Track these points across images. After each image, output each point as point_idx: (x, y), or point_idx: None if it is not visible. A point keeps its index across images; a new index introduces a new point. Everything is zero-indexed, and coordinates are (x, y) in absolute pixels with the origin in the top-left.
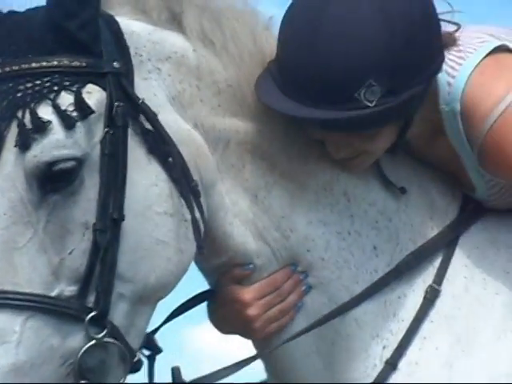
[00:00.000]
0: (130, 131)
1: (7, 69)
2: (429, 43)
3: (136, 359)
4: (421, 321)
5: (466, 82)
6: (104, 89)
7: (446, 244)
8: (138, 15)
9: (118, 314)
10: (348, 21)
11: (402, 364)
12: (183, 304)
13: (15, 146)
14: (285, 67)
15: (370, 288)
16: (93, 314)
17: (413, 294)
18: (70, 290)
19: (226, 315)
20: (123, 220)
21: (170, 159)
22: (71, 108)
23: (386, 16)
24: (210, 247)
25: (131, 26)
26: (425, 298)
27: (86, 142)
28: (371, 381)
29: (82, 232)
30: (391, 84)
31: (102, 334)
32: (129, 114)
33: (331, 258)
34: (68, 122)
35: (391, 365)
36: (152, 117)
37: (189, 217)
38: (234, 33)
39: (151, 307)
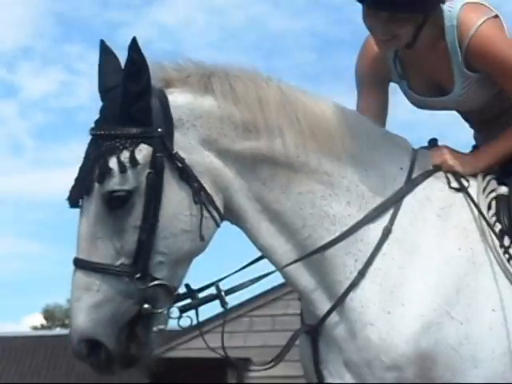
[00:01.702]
0: (167, 170)
1: (101, 131)
2: None
3: (177, 293)
4: (381, 244)
5: (460, 9)
6: (151, 146)
7: (396, 200)
8: (184, 87)
9: (160, 273)
10: None
11: (370, 270)
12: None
13: (96, 181)
14: None
15: (348, 229)
16: (139, 275)
17: (374, 230)
18: (127, 262)
19: None
20: (158, 222)
21: (195, 184)
22: (126, 161)
23: None
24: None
25: (177, 99)
26: (383, 232)
27: (133, 180)
28: (350, 282)
29: (133, 230)
30: None
31: (144, 286)
32: (166, 161)
33: (315, 212)
34: (122, 170)
35: (361, 271)
36: (182, 160)
37: (207, 215)
38: (242, 88)
39: (184, 266)
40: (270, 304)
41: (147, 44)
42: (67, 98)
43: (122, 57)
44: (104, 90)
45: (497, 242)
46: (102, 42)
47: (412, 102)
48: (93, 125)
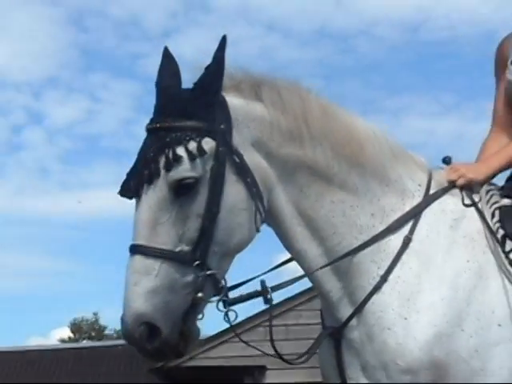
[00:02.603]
0: (227, 164)
1: (164, 124)
2: None
3: (221, 285)
4: (401, 253)
5: None
6: (214, 140)
7: (415, 214)
8: (236, 93)
9: (212, 263)
10: None
11: (390, 277)
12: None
13: (163, 168)
14: None
15: (372, 238)
16: (197, 262)
17: (395, 240)
18: (186, 248)
19: None
20: (219, 213)
21: (249, 179)
22: (195, 150)
23: None
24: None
25: (233, 101)
26: (403, 241)
27: (201, 168)
28: (371, 288)
29: (196, 218)
30: None
31: (202, 273)
32: (227, 155)
33: (345, 221)
34: (192, 157)
35: (383, 278)
36: (240, 155)
37: (257, 210)
38: (289, 98)
39: (231, 259)
40: (283, 314)
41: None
42: (91, 124)
43: (141, 85)
44: (162, 87)
45: (499, 248)
46: (166, 49)
47: (509, 82)
48: (149, 121)
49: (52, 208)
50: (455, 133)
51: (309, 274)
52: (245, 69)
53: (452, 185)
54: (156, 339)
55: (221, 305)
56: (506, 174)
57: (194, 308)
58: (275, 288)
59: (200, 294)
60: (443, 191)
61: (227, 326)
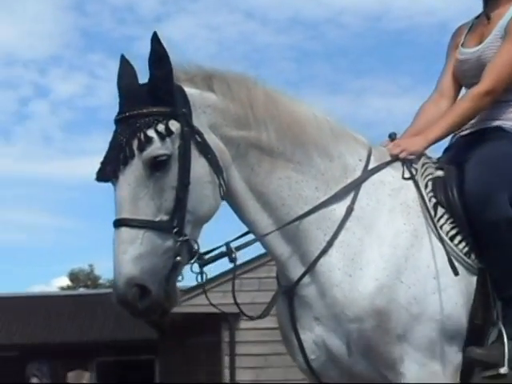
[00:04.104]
0: (192, 142)
1: (132, 112)
2: None
3: (194, 250)
4: (344, 221)
5: None
6: (178, 122)
7: (356, 185)
8: (191, 85)
9: (187, 230)
10: None
11: (336, 242)
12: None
13: (137, 150)
14: None
15: (316, 206)
16: (176, 229)
17: (339, 209)
18: (165, 218)
19: None
20: (190, 184)
21: (209, 156)
22: (163, 131)
23: None
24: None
25: (190, 90)
26: (346, 210)
27: (171, 146)
28: (319, 251)
29: (171, 190)
30: None
31: (181, 238)
32: (191, 134)
33: (291, 194)
34: (162, 137)
35: (329, 243)
36: (201, 135)
37: (219, 183)
38: (237, 88)
39: (201, 227)
40: (256, 269)
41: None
42: (90, 98)
43: (137, 65)
44: (123, 86)
45: (432, 213)
46: (122, 56)
47: (456, 60)
48: (117, 114)
49: (54, 172)
50: (411, 111)
51: (261, 239)
52: (197, 64)
53: (394, 159)
54: (146, 298)
55: (195, 267)
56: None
57: (175, 271)
58: (237, 248)
59: (178, 258)
60: (385, 164)
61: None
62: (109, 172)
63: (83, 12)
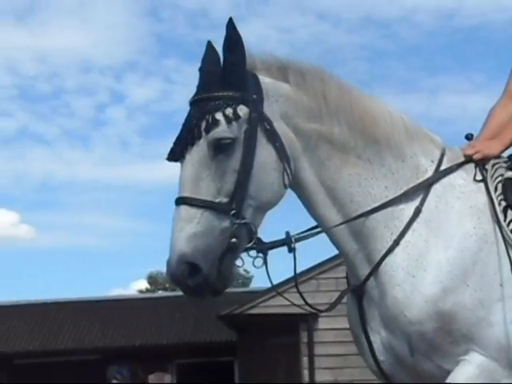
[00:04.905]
0: (259, 128)
1: (204, 95)
2: None
3: (254, 234)
4: (411, 222)
5: None
6: (247, 107)
7: (425, 186)
8: (267, 74)
9: (248, 214)
10: None
11: (401, 242)
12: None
13: (204, 131)
14: None
15: (382, 204)
16: (234, 211)
17: (407, 210)
18: (225, 200)
19: None
20: (252, 168)
21: (277, 144)
22: (231, 115)
23: None
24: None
25: (264, 79)
26: (414, 211)
27: (237, 130)
28: (385, 250)
29: (232, 173)
30: None
31: (238, 221)
32: (259, 121)
33: (361, 191)
34: (228, 121)
35: (395, 242)
36: (270, 122)
37: (285, 172)
38: (311, 80)
39: (263, 214)
40: (333, 268)
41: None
42: (165, 103)
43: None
44: (203, 70)
45: (502, 217)
46: (209, 42)
47: None
48: (192, 96)
49: (131, 176)
50: (485, 108)
51: (329, 234)
52: (274, 55)
53: (466, 160)
54: (197, 276)
55: (253, 252)
56: None
57: (230, 252)
58: (298, 239)
59: (234, 240)
60: (456, 166)
61: (285, 278)
62: (178, 152)
63: (157, 18)
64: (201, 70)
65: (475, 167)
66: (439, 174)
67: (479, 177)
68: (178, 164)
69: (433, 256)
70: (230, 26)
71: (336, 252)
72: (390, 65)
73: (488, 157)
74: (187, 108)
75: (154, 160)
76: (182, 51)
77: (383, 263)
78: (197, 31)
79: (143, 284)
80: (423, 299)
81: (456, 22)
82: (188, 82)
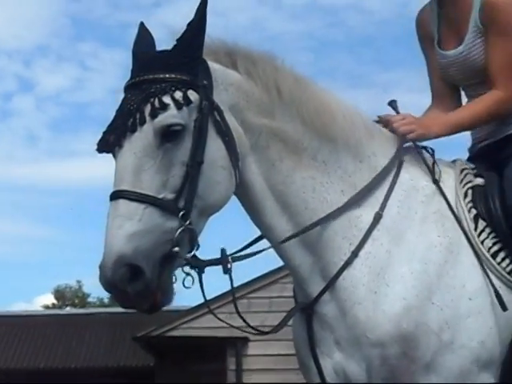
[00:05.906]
0: (209, 119)
1: (147, 77)
2: None
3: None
4: (371, 230)
5: None
6: (197, 93)
7: (386, 190)
8: (215, 61)
9: (193, 217)
10: None
11: (361, 253)
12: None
13: (149, 116)
14: None
15: (338, 209)
16: (182, 212)
17: (366, 216)
18: (170, 196)
19: None
20: (203, 163)
21: (227, 138)
22: (181, 99)
23: None
24: None
25: (213, 65)
26: (374, 218)
27: (187, 117)
28: (342, 263)
29: (181, 166)
30: None
31: (186, 224)
32: (209, 109)
33: (315, 197)
34: (178, 106)
35: (354, 253)
36: (221, 112)
37: (233, 171)
38: (263, 68)
39: (206, 218)
40: (266, 287)
41: (157, 42)
42: (80, 92)
43: (131, 54)
44: (139, 53)
45: (472, 226)
46: (142, 23)
47: (438, 62)
48: (129, 79)
49: (39, 175)
50: None
51: (276, 247)
52: (221, 39)
53: (424, 162)
54: (139, 281)
55: (186, 268)
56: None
57: (170, 260)
58: (236, 258)
59: (176, 249)
60: (415, 169)
61: (211, 296)
62: (113, 141)
63: None
64: (134, 52)
65: (432, 165)
66: (400, 176)
67: (436, 177)
68: (97, 163)
69: (396, 269)
70: (203, 4)
71: (269, 269)
72: (338, 57)
73: (423, 137)
74: (105, 99)
75: (66, 157)
76: (100, 34)
77: (340, 278)
78: (118, 12)
79: (49, 299)
80: (386, 318)
81: (413, 11)
82: (107, 68)
